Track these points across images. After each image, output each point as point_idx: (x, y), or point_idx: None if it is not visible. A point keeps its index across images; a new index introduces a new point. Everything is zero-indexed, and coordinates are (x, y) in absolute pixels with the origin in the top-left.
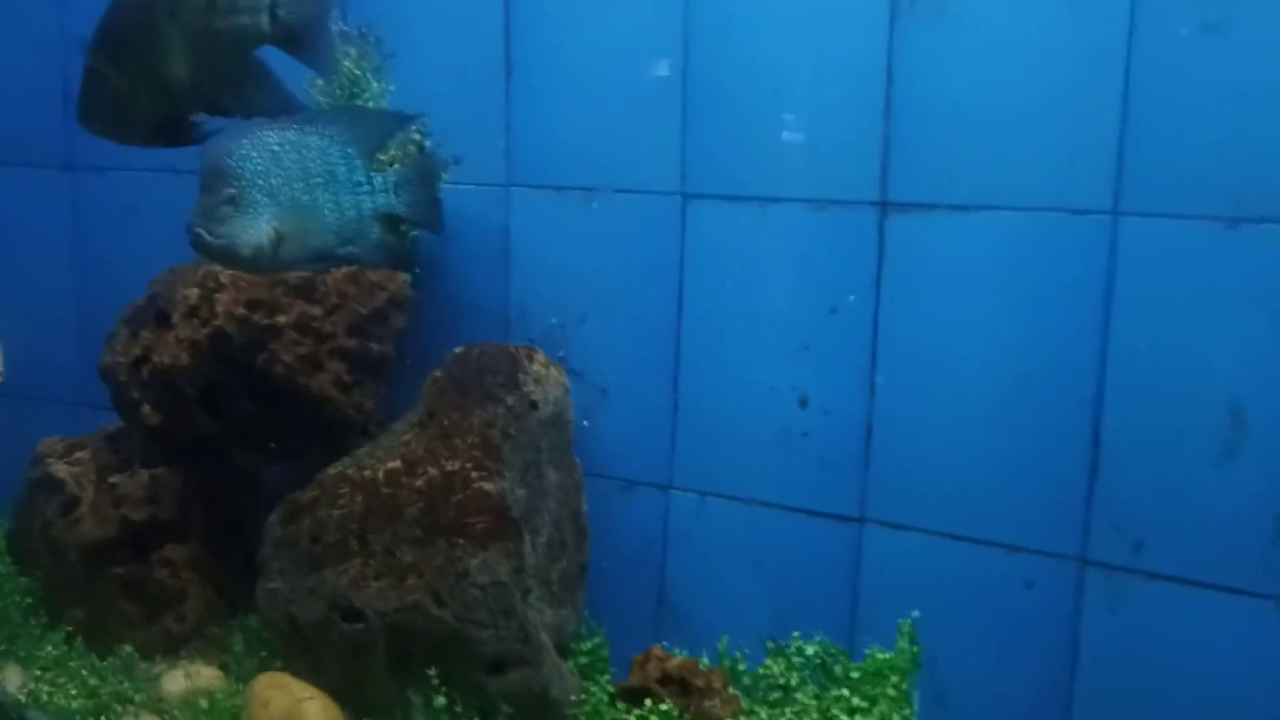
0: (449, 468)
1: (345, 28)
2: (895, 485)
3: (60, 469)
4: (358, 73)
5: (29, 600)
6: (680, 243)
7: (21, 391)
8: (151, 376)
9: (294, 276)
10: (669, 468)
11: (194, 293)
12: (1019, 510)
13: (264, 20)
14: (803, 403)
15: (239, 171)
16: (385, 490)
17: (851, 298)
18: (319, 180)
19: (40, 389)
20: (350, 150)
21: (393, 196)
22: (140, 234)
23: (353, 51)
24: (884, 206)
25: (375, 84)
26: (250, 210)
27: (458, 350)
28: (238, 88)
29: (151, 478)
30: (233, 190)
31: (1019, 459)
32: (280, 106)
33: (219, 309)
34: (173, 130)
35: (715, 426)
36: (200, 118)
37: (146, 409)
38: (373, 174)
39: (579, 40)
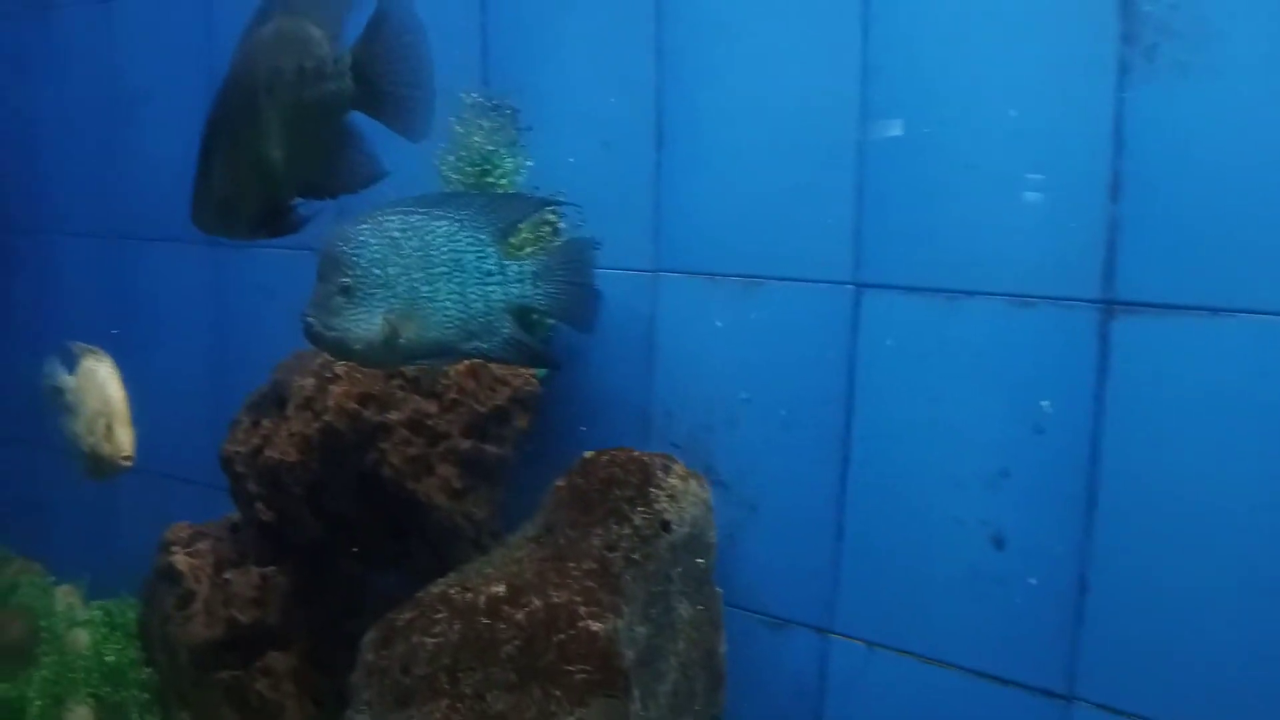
0: (555, 599)
1: (479, 99)
2: (1116, 657)
3: (181, 560)
4: (490, 148)
5: (147, 695)
6: (851, 340)
7: (158, 469)
8: (264, 470)
9: (412, 369)
10: (829, 607)
11: (310, 382)
12: None
13: (348, 83)
14: (998, 542)
15: (354, 260)
16: (484, 620)
17: (1063, 415)
18: (442, 269)
19: (175, 468)
20: (482, 236)
21: (529, 287)
22: (274, 314)
23: (485, 125)
24: (1109, 306)
25: (509, 160)
26: (364, 301)
27: (586, 455)
28: (329, 163)
29: (262, 577)
30: (346, 280)
31: None
32: (365, 177)
33: (331, 402)
34: (273, 218)
35: (888, 561)
36: (297, 202)
37: (260, 504)
38: (507, 263)
39: (739, 106)
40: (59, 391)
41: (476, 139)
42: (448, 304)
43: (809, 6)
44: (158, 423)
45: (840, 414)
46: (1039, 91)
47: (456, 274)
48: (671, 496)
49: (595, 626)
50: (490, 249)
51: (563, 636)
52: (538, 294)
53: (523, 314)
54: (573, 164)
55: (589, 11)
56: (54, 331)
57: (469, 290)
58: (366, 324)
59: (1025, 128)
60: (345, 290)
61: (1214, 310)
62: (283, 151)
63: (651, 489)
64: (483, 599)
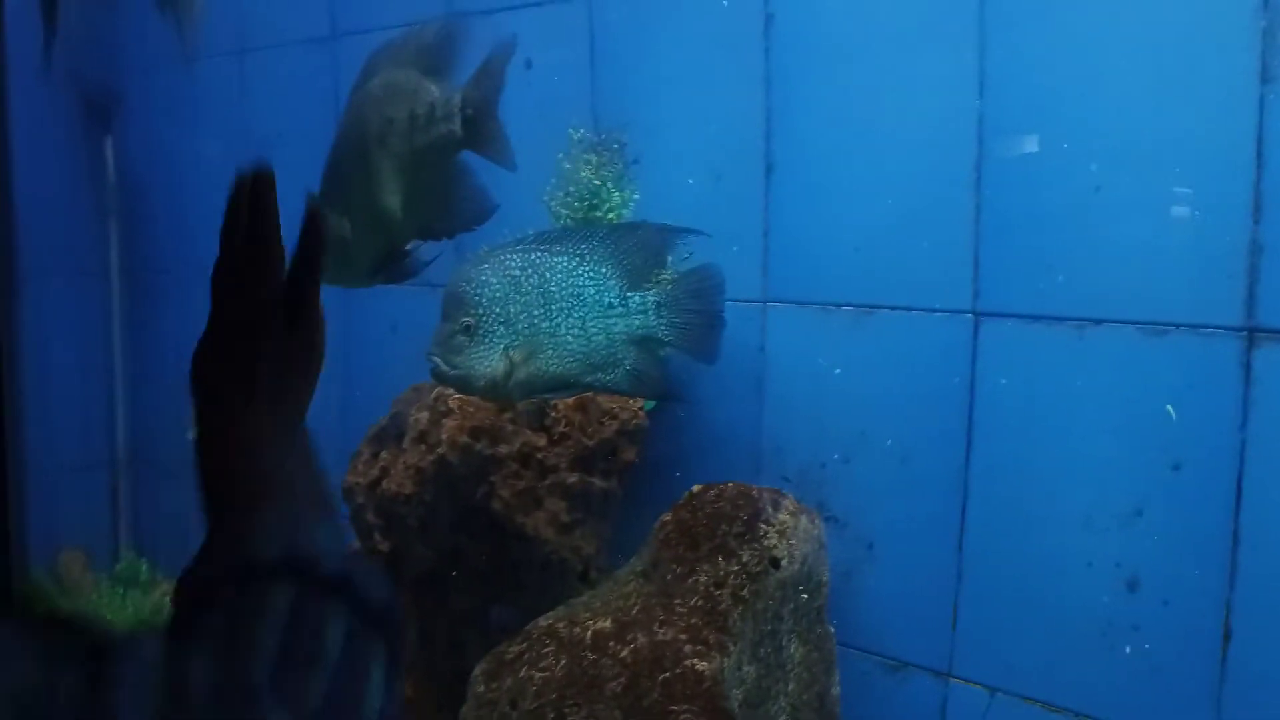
0: (660, 636)
1: (586, 135)
2: (1264, 711)
3: None
4: (597, 183)
5: None
6: (970, 372)
7: None
8: (381, 502)
9: (524, 402)
10: (948, 649)
11: (425, 416)
12: None
13: (458, 124)
14: (1132, 585)
15: (475, 299)
16: (590, 656)
17: (1202, 450)
18: (562, 304)
19: None
20: (603, 269)
21: (652, 318)
22: (399, 348)
23: (593, 159)
24: (1251, 333)
25: (616, 194)
26: (485, 340)
27: (694, 489)
28: (444, 205)
29: None
30: (469, 319)
31: None
32: (478, 213)
33: (444, 435)
34: (390, 265)
35: (1011, 604)
36: (413, 244)
37: (378, 535)
38: (629, 294)
39: (849, 131)
40: None
41: (584, 174)
42: (569, 338)
43: (921, 26)
44: None
45: (959, 449)
46: (1170, 105)
47: (577, 308)
48: (781, 533)
49: (701, 666)
50: (611, 281)
51: (667, 675)
52: (661, 324)
53: (646, 345)
54: (680, 195)
55: (696, 43)
56: None
57: (590, 324)
58: (488, 361)
59: (1156, 145)
60: (468, 329)
61: None
62: (400, 199)
63: (760, 525)
64: (589, 634)
